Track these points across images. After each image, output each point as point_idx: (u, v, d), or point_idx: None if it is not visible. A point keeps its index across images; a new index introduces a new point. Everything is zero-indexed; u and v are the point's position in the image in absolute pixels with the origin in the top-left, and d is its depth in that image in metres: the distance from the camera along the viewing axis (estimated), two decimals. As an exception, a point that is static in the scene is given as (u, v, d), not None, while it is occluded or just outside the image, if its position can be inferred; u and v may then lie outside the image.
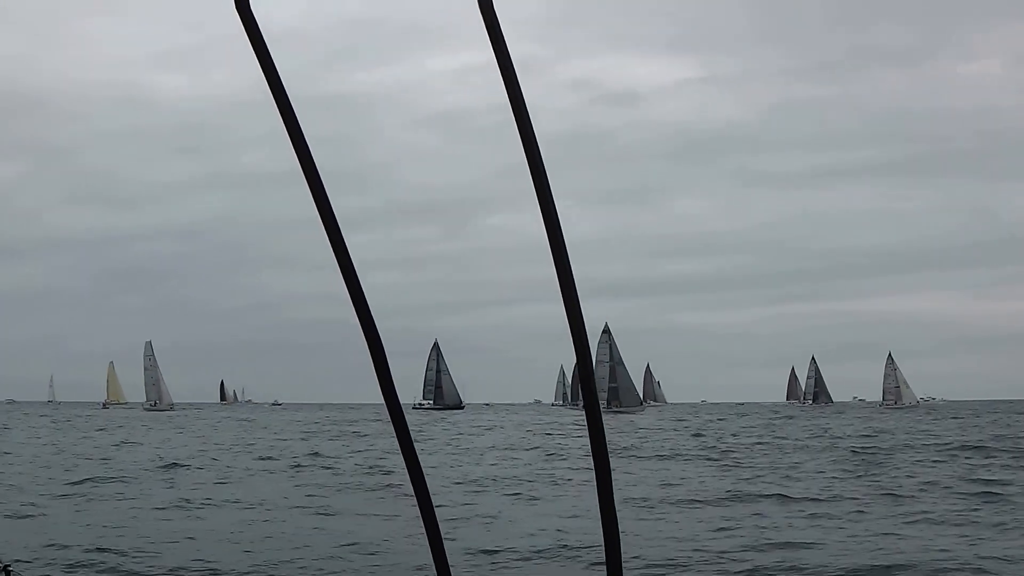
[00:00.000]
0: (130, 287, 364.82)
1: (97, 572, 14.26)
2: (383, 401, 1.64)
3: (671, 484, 27.29)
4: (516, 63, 1.41)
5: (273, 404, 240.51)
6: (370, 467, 33.02)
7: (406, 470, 1.54)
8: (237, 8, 1.42)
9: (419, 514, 1.54)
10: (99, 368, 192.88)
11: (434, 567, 1.60)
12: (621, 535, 1.43)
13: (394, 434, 1.56)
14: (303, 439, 53.18)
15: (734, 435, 55.65)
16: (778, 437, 52.40)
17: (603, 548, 1.44)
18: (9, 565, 3.26)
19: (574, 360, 1.48)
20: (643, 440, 50.25)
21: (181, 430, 68.25)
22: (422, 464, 1.54)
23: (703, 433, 59.25)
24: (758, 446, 44.32)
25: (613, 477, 1.41)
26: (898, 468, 31.50)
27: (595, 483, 1.42)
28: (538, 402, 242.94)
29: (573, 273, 1.50)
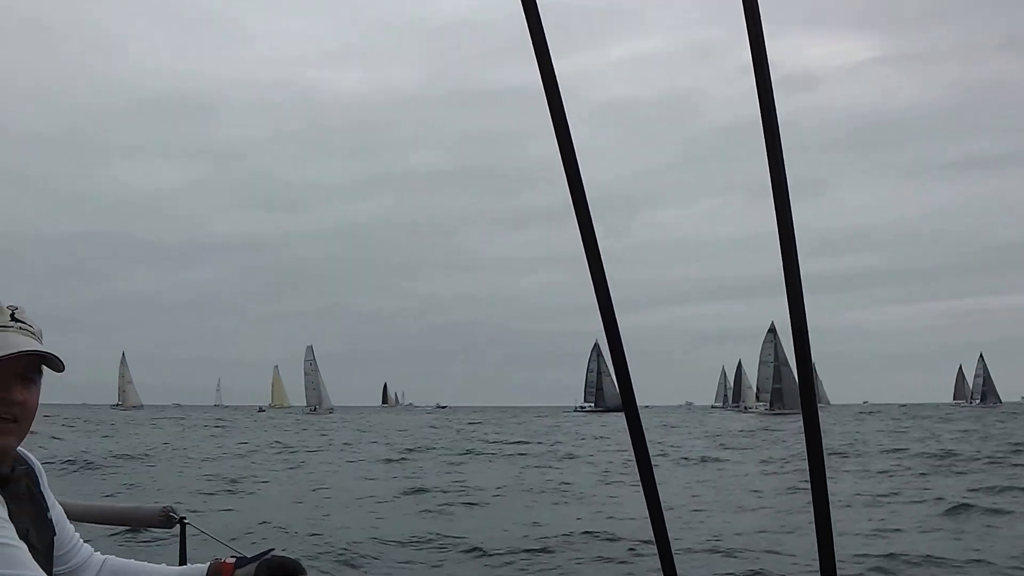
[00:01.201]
0: (294, 291, 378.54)
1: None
2: (622, 404, 1.90)
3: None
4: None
5: (436, 407, 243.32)
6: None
7: (638, 472, 1.83)
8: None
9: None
10: (264, 372, 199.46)
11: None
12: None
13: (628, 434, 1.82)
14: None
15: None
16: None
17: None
18: (184, 517, 3.31)
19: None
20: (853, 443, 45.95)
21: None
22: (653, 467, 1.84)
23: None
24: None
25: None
26: None
27: (810, 488, 1.61)
28: (690, 404, 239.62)
29: (800, 272, 1.61)
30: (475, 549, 15.07)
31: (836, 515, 2.13)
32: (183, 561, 3.23)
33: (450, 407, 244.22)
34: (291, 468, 32.41)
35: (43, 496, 2.28)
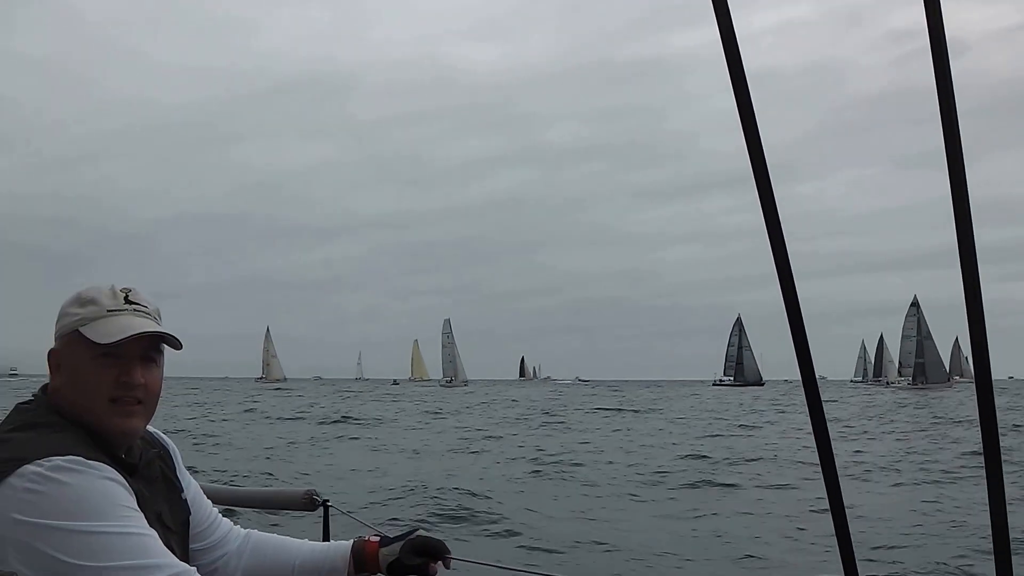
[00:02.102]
0: (433, 267, 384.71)
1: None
2: (800, 379, 1.84)
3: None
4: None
5: (576, 380, 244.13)
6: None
7: (816, 449, 1.82)
8: None
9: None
10: (404, 347, 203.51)
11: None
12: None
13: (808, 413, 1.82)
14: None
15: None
16: None
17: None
18: (327, 499, 3.36)
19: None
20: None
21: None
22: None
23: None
24: None
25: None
26: None
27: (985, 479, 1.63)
28: (823, 378, 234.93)
29: (975, 247, 1.58)
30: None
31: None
32: (326, 541, 3.19)
33: (592, 381, 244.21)
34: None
35: (178, 478, 2.29)
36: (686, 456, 27.39)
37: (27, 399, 2.11)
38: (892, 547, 13.44)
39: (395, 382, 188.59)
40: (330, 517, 3.46)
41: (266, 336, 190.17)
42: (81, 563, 1.75)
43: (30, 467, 1.82)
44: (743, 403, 75.64)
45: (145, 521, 1.88)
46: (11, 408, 2.09)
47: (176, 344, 2.13)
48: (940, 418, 49.51)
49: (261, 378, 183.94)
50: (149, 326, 2.07)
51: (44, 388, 2.12)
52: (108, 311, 2.06)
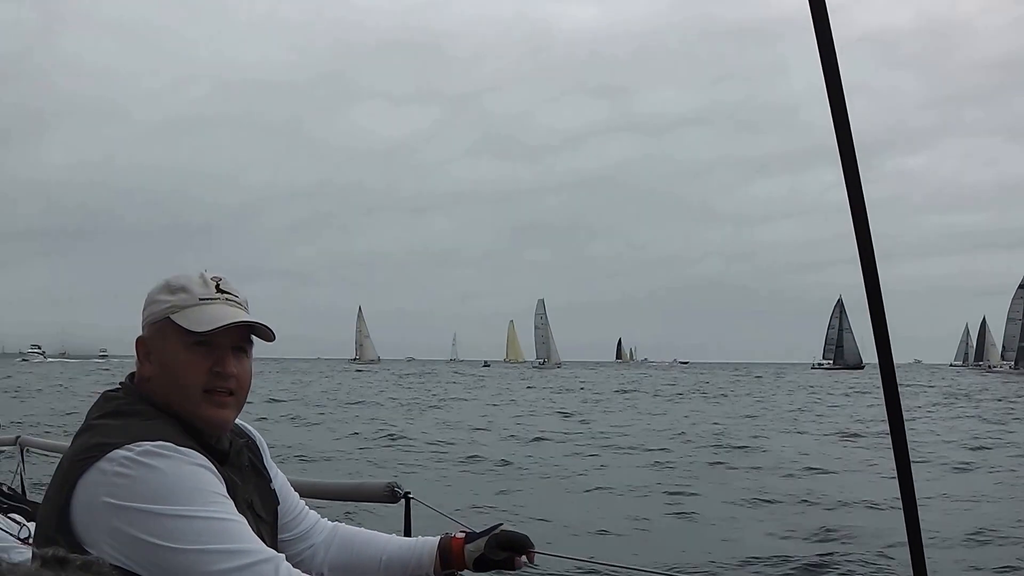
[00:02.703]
0: (531, 242, 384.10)
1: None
2: (877, 362, 1.80)
3: None
4: None
5: (675, 362, 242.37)
6: None
7: (889, 435, 1.80)
8: None
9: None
10: (499, 327, 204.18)
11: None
12: None
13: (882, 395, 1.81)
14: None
15: None
16: None
17: None
18: (409, 492, 3.38)
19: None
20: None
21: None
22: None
23: None
24: None
25: None
26: None
27: None
28: (918, 361, 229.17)
29: None
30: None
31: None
32: (408, 534, 3.27)
33: (691, 363, 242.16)
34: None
35: (265, 468, 2.32)
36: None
37: (114, 387, 2.12)
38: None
39: (486, 364, 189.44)
40: (411, 509, 3.48)
41: (359, 316, 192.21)
42: (171, 545, 1.78)
43: (120, 451, 1.84)
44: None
45: (235, 508, 1.91)
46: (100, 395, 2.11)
47: (269, 336, 2.13)
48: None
49: (355, 359, 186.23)
50: (243, 316, 2.07)
51: (131, 376, 2.13)
52: (200, 299, 2.06)
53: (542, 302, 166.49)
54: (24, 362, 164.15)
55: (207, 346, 2.04)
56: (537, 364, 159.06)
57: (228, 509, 1.89)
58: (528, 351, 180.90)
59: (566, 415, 39.33)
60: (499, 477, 20.10)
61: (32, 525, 2.48)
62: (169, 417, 2.01)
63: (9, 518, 2.55)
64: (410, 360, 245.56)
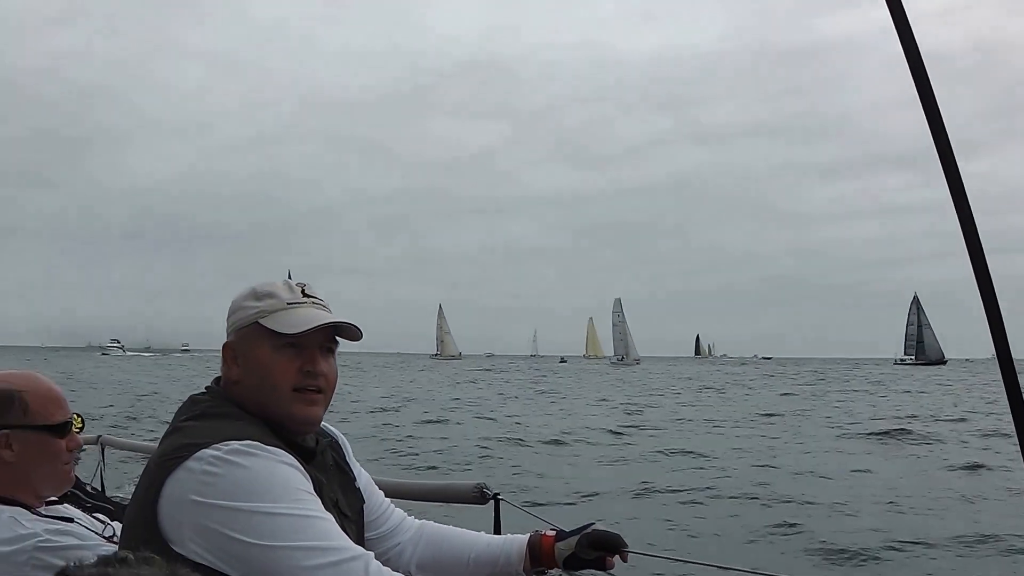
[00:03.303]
0: (606, 243, 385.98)
1: None
2: (995, 357, 1.75)
3: None
4: None
5: (756, 358, 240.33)
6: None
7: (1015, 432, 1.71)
8: None
9: None
10: (578, 324, 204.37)
11: None
12: None
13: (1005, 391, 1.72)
14: None
15: None
16: None
17: None
18: (498, 493, 3.34)
19: None
20: None
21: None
22: None
23: None
24: None
25: None
26: None
27: None
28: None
29: None
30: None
31: None
32: (497, 535, 3.23)
33: (775, 359, 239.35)
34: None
35: (349, 466, 2.31)
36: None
37: (200, 391, 2.14)
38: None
39: (562, 360, 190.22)
40: (500, 511, 3.41)
41: (439, 313, 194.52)
42: (260, 543, 1.77)
43: (208, 451, 1.84)
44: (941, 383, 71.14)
45: (322, 505, 1.90)
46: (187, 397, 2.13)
47: (356, 335, 2.15)
48: None
49: (436, 354, 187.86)
50: (331, 317, 2.11)
51: (217, 380, 2.15)
52: (288, 304, 2.09)
53: (619, 301, 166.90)
54: (104, 356, 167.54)
55: (296, 348, 2.07)
56: (615, 360, 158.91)
57: (316, 506, 1.87)
58: (607, 347, 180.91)
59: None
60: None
61: (116, 524, 2.48)
62: (256, 418, 2.03)
63: (94, 517, 2.54)
64: (489, 356, 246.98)
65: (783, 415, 36.09)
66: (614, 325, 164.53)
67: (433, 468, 19.85)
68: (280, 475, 1.86)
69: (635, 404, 42.86)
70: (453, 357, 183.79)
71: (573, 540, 2.38)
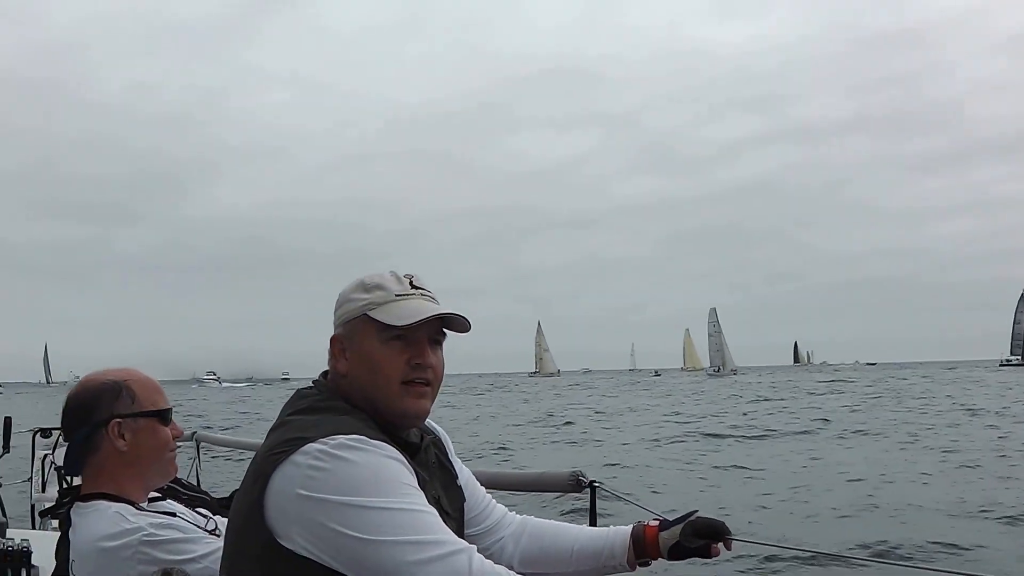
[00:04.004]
0: (697, 251, 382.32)
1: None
2: None
3: None
4: None
5: (856, 364, 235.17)
6: None
7: None
8: None
9: None
10: (675, 335, 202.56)
11: None
12: None
13: None
14: None
15: None
16: None
17: None
18: (594, 480, 3.28)
19: None
20: None
21: None
22: None
23: None
24: None
25: None
26: None
27: None
28: None
29: None
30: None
31: None
32: (593, 523, 3.24)
33: (879, 364, 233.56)
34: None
35: (451, 464, 2.28)
36: None
37: (307, 385, 2.14)
38: None
39: (656, 373, 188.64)
40: (597, 499, 3.39)
41: (538, 330, 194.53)
42: (365, 537, 1.75)
43: (314, 444, 1.83)
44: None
45: (426, 499, 1.87)
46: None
47: (465, 326, 2.13)
48: None
49: (535, 372, 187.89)
50: (440, 308, 2.08)
51: (324, 374, 2.15)
52: (397, 295, 2.07)
53: (714, 311, 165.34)
54: (200, 387, 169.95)
55: (404, 340, 2.05)
56: (712, 371, 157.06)
57: (421, 500, 1.85)
58: (704, 358, 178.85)
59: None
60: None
61: (218, 519, 2.50)
62: (361, 412, 2.02)
63: (196, 511, 2.55)
64: (586, 371, 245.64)
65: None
66: (710, 336, 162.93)
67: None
68: (386, 469, 1.84)
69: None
70: (552, 374, 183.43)
71: (677, 529, 2.31)
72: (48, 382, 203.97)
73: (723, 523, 2.32)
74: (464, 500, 2.27)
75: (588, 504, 3.41)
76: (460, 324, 2.12)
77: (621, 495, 3.35)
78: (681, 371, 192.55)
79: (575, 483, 3.41)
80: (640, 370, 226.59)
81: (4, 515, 4.11)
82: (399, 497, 1.81)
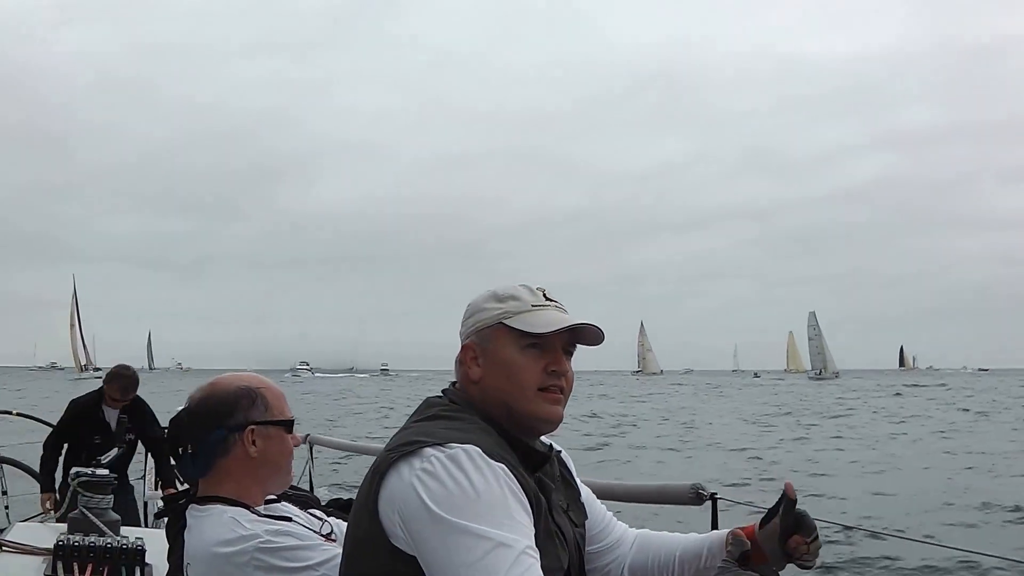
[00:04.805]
0: (799, 255, 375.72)
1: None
2: None
3: None
4: None
5: (963, 369, 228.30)
6: None
7: None
8: None
9: None
10: (778, 338, 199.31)
11: None
12: None
13: None
14: None
15: None
16: None
17: None
18: (715, 493, 3.25)
19: None
20: None
21: None
22: None
23: None
24: None
25: None
26: None
27: None
28: None
29: None
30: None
31: None
32: None
33: (993, 370, 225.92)
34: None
35: (575, 480, 2.26)
36: None
37: (437, 394, 2.13)
38: None
39: (756, 375, 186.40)
40: (718, 512, 3.30)
41: (640, 330, 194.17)
42: (444, 556, 1.74)
43: (430, 449, 1.82)
44: None
45: (526, 531, 1.80)
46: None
47: (599, 339, 2.13)
48: None
49: (638, 371, 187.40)
50: (576, 319, 2.08)
51: (453, 383, 2.14)
52: (532, 306, 2.08)
53: (813, 314, 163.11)
54: (295, 377, 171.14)
55: (540, 348, 2.05)
56: (814, 375, 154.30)
57: (514, 536, 1.76)
58: (806, 360, 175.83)
59: None
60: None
61: (333, 521, 2.49)
62: (490, 422, 2.01)
63: (309, 514, 2.52)
64: (688, 372, 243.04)
65: None
66: (810, 339, 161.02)
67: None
68: (490, 494, 1.79)
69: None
70: (654, 374, 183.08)
71: (775, 524, 2.12)
72: (150, 368, 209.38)
73: (810, 520, 2.10)
74: (586, 517, 2.24)
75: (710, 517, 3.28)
76: (593, 336, 2.11)
77: (748, 504, 3.23)
78: (785, 372, 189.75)
79: (695, 496, 3.32)
80: (743, 371, 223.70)
81: (117, 512, 4.13)
82: (493, 528, 1.75)
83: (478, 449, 1.83)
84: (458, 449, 1.82)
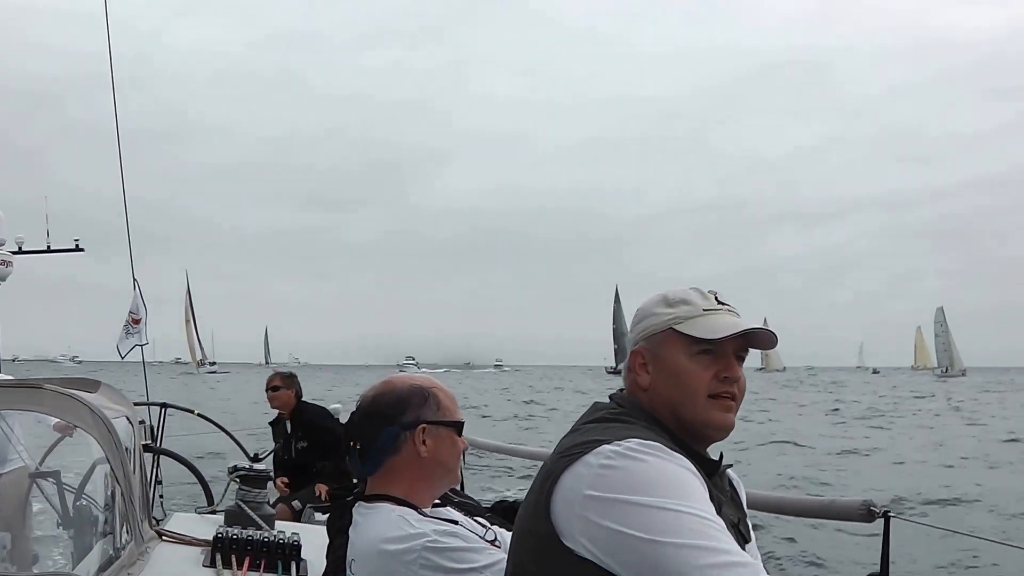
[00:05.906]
0: (937, 246, 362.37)
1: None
2: None
3: None
4: None
5: None
6: None
7: None
8: None
9: None
10: (906, 332, 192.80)
11: None
12: None
13: None
14: None
15: None
16: None
17: None
18: (888, 510, 3.02)
19: None
20: None
21: None
22: None
23: None
24: None
25: None
26: None
27: None
28: None
29: None
30: None
31: None
32: (886, 556, 3.05)
33: None
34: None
35: (743, 504, 2.13)
36: None
37: (603, 400, 2.08)
38: None
39: (875, 371, 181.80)
40: (891, 530, 3.08)
41: (763, 324, 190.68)
42: (650, 538, 1.65)
43: (608, 446, 1.77)
44: None
45: (715, 512, 1.75)
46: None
47: (772, 342, 2.03)
48: None
49: (761, 368, 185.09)
50: (748, 324, 2.01)
51: (620, 390, 2.09)
52: (705, 310, 2.01)
53: (941, 310, 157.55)
54: (402, 372, 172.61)
55: (712, 354, 1.97)
56: (940, 372, 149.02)
57: (710, 510, 1.73)
58: (934, 357, 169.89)
59: None
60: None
61: (496, 529, 2.44)
62: (661, 427, 1.92)
63: (475, 520, 2.49)
64: (809, 369, 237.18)
65: None
66: (937, 336, 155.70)
67: None
68: (677, 474, 1.75)
69: None
70: (777, 370, 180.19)
71: None
72: (267, 363, 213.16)
73: None
74: (748, 541, 2.09)
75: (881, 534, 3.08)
76: (767, 340, 2.01)
77: (925, 523, 2.98)
78: (911, 369, 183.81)
79: (866, 513, 3.12)
80: (866, 368, 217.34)
81: (272, 507, 4.16)
82: (689, 501, 1.70)
83: (655, 443, 1.77)
84: (635, 442, 1.76)
